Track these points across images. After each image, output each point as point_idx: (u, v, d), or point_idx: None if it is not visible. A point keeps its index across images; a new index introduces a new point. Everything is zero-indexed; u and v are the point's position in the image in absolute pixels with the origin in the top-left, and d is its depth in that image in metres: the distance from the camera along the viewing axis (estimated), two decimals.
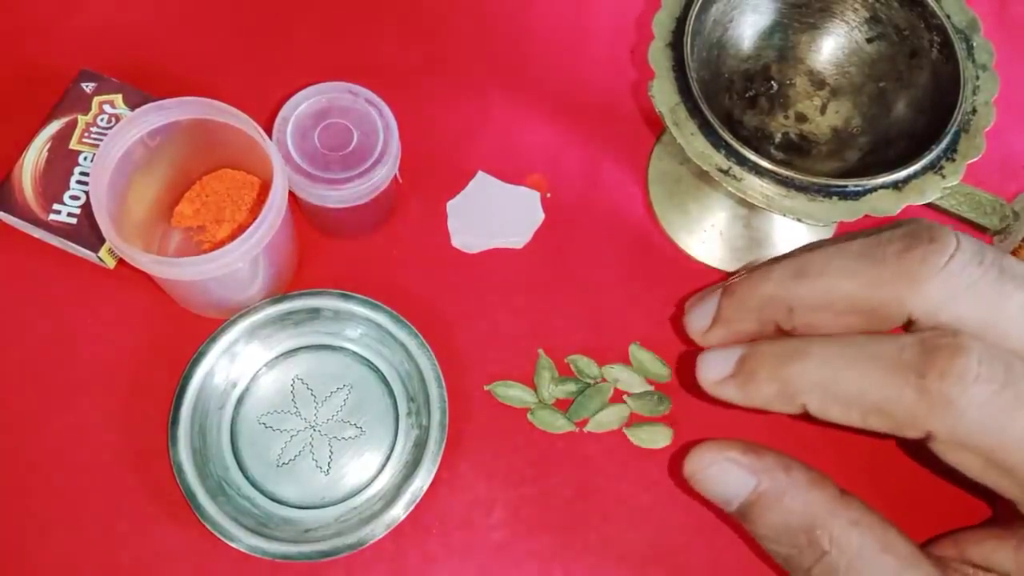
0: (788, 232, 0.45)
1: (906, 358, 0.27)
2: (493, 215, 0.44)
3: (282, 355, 0.41)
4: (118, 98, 0.42)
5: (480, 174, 0.45)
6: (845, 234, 0.32)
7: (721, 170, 0.35)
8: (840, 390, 0.28)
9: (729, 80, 0.40)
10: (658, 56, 0.36)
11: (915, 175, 0.35)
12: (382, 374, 0.41)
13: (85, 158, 0.40)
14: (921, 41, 0.38)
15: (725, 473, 0.31)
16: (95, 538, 0.38)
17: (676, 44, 0.36)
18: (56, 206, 0.40)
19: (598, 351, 0.42)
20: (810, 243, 0.32)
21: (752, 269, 0.33)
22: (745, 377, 0.31)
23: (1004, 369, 0.26)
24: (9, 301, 0.42)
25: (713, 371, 0.32)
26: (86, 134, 0.41)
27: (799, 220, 0.35)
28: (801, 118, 0.41)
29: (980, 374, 0.26)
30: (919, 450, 0.28)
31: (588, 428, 0.41)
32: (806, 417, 0.30)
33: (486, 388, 0.41)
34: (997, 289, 0.27)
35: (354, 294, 0.40)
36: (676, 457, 0.41)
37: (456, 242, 0.44)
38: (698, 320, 0.34)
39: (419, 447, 0.39)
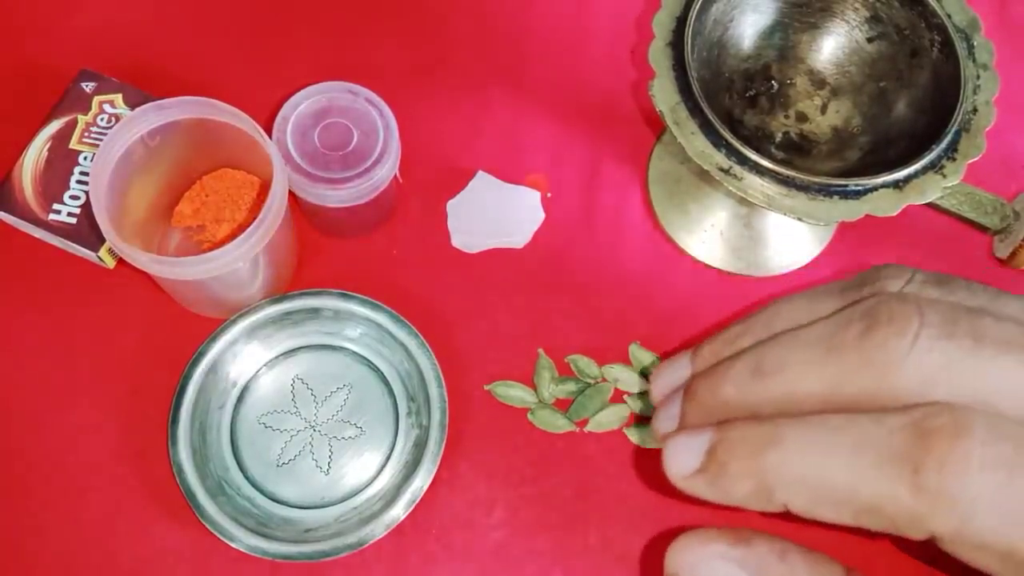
0: (788, 231, 0.45)
1: (897, 445, 0.23)
2: (493, 215, 0.44)
3: (282, 355, 0.41)
4: (118, 98, 0.42)
5: (480, 174, 0.45)
6: (808, 293, 0.28)
7: (722, 169, 0.35)
8: (824, 487, 0.24)
9: (729, 79, 0.40)
10: (658, 56, 0.36)
11: (916, 175, 0.35)
12: (382, 374, 0.41)
13: (85, 158, 0.40)
14: (922, 40, 0.37)
15: (714, 572, 0.26)
16: (95, 538, 0.38)
17: (676, 44, 0.36)
18: (56, 206, 0.40)
19: (598, 351, 0.42)
20: (770, 308, 0.29)
21: (710, 360, 0.29)
22: (716, 471, 0.26)
23: (1013, 448, 0.22)
24: (9, 301, 0.42)
25: (680, 464, 0.27)
26: (86, 134, 0.41)
27: (800, 219, 0.35)
28: (802, 117, 0.41)
29: (985, 459, 0.22)
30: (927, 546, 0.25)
31: (588, 428, 0.41)
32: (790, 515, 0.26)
33: (486, 388, 0.41)
34: (974, 361, 0.24)
35: (354, 294, 0.40)
36: None
37: (456, 242, 0.44)
38: (664, 424, 0.30)
39: (419, 447, 0.39)
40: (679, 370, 0.30)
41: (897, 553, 0.34)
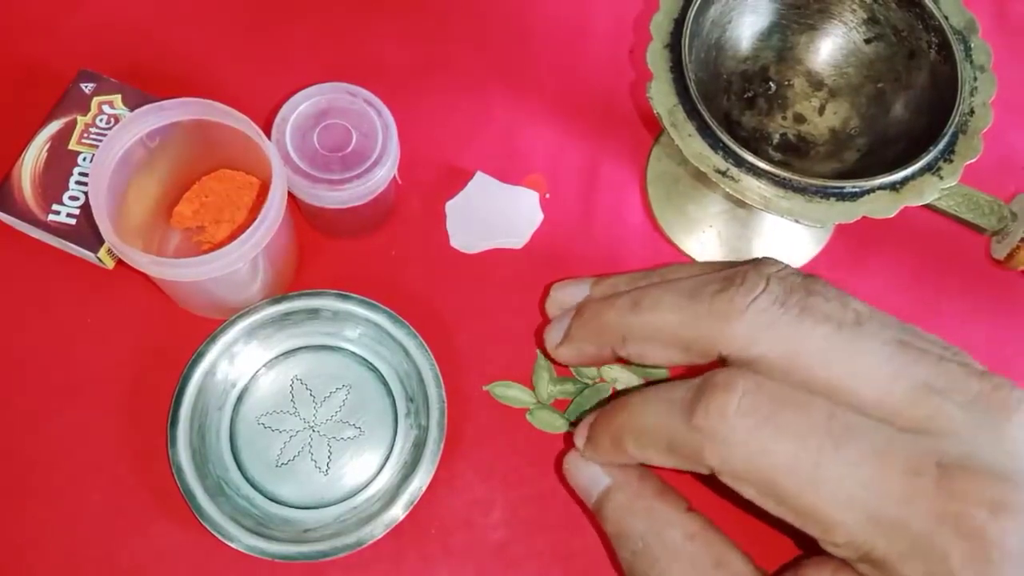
0: (786, 233, 0.45)
1: (686, 398, 0.29)
2: (493, 215, 0.44)
3: (281, 355, 0.41)
4: (117, 98, 0.42)
5: (480, 174, 0.45)
6: (703, 263, 0.35)
7: (719, 171, 0.35)
8: (644, 433, 0.31)
9: (727, 81, 0.40)
10: (656, 57, 0.36)
11: (913, 176, 0.35)
12: (381, 374, 0.41)
13: (84, 158, 0.40)
14: (919, 42, 0.38)
15: (587, 468, 0.34)
16: (95, 538, 0.38)
17: (674, 45, 0.36)
18: (55, 206, 0.40)
19: None
20: (672, 265, 0.35)
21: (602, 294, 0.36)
22: (592, 437, 0.34)
23: (769, 402, 0.28)
24: (9, 301, 0.42)
25: (578, 439, 0.35)
26: (85, 134, 0.41)
27: (797, 221, 0.35)
28: (799, 119, 0.41)
29: (742, 407, 0.28)
30: (732, 492, 0.30)
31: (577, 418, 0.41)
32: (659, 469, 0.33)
33: (485, 388, 0.42)
34: (798, 326, 0.29)
35: (353, 294, 0.40)
36: None
37: (456, 242, 0.44)
38: (554, 335, 0.37)
39: (418, 447, 0.39)
40: (579, 291, 0.37)
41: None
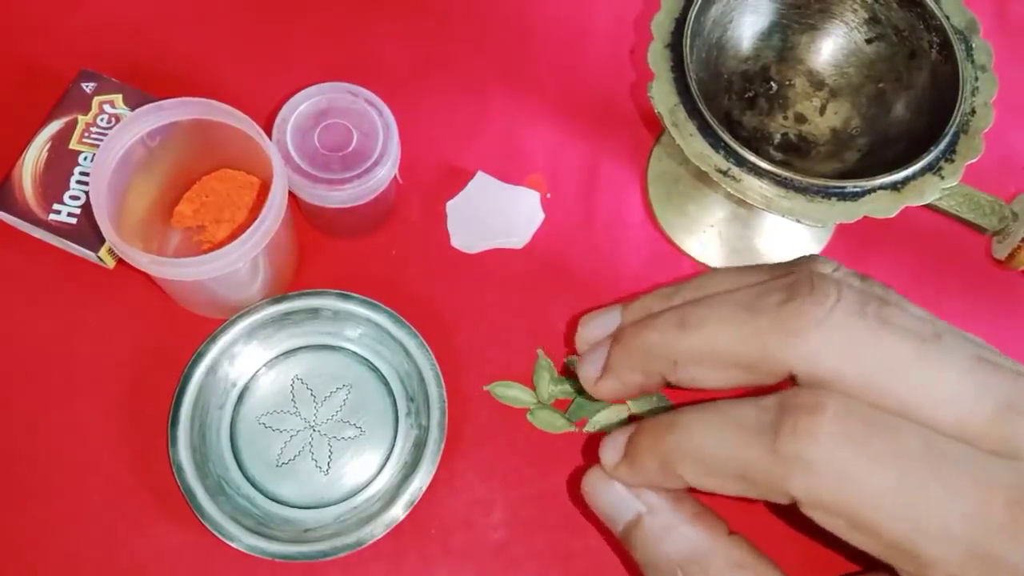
0: (786, 233, 0.45)
1: (764, 420, 0.26)
2: (493, 215, 0.44)
3: (282, 355, 0.41)
4: (118, 98, 0.42)
5: (480, 174, 0.45)
6: (741, 267, 0.31)
7: (720, 171, 0.35)
8: (707, 458, 0.27)
9: (728, 81, 0.40)
10: (657, 57, 0.36)
11: (914, 176, 0.35)
12: (381, 374, 0.41)
13: (85, 158, 0.40)
14: (920, 42, 0.38)
15: (614, 494, 0.31)
16: (95, 538, 0.38)
17: (675, 45, 0.36)
18: (56, 206, 0.40)
19: None
20: (704, 275, 0.32)
21: (643, 311, 0.32)
22: (631, 457, 0.30)
23: (863, 427, 0.25)
24: (9, 301, 0.42)
25: (609, 456, 0.31)
26: (86, 134, 0.41)
27: (798, 221, 0.35)
28: (800, 119, 0.41)
29: (835, 432, 0.25)
30: (794, 514, 0.27)
31: (587, 428, 0.41)
32: (697, 491, 0.29)
33: (485, 388, 0.42)
34: (878, 341, 0.26)
35: (353, 294, 0.40)
36: None
37: (456, 242, 0.44)
38: (590, 369, 0.33)
39: (418, 447, 0.39)
40: (609, 320, 0.33)
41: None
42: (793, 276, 0.28)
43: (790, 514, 0.28)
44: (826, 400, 0.25)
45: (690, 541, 0.29)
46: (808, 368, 0.26)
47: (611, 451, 0.31)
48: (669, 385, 0.31)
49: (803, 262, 0.29)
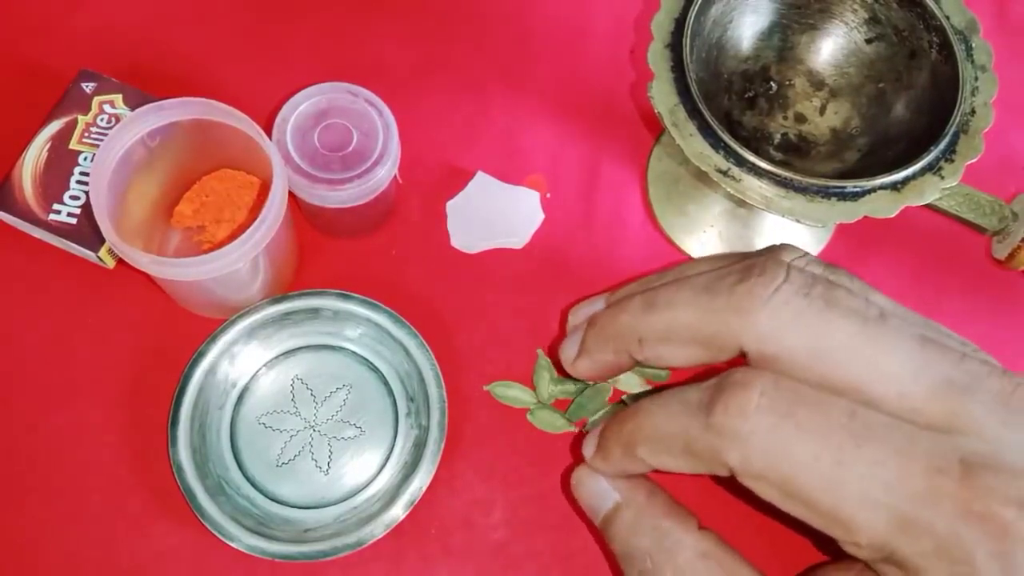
0: (786, 233, 0.45)
1: (703, 399, 0.28)
2: (493, 215, 0.44)
3: (282, 355, 0.41)
4: (118, 98, 0.42)
5: (480, 174, 0.45)
6: (719, 254, 0.33)
7: (720, 171, 0.35)
8: (658, 437, 0.30)
9: (728, 81, 0.40)
10: (657, 57, 0.36)
11: (914, 176, 0.35)
12: (382, 374, 0.41)
13: (85, 158, 0.40)
14: (920, 42, 0.38)
15: (595, 484, 0.33)
16: (95, 538, 0.38)
17: (675, 45, 0.36)
18: (56, 206, 0.40)
19: None
20: (686, 263, 0.34)
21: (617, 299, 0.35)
22: (602, 446, 0.33)
23: (789, 400, 0.27)
24: (9, 301, 0.42)
25: (588, 449, 0.33)
26: (86, 134, 0.41)
27: (798, 221, 0.35)
28: (800, 119, 0.41)
29: (761, 405, 0.27)
30: (751, 493, 0.29)
31: (588, 428, 0.41)
32: (662, 475, 0.31)
33: (485, 388, 0.42)
34: (822, 320, 0.28)
35: (353, 294, 0.40)
36: None
37: (456, 242, 0.44)
38: (569, 350, 0.36)
39: (418, 447, 0.39)
40: (595, 307, 0.36)
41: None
42: (751, 260, 0.30)
43: (740, 492, 0.29)
44: (755, 377, 0.28)
45: (661, 532, 0.31)
46: (756, 345, 0.28)
47: (588, 445, 0.33)
48: (638, 364, 0.33)
49: (768, 249, 0.31)
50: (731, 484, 0.29)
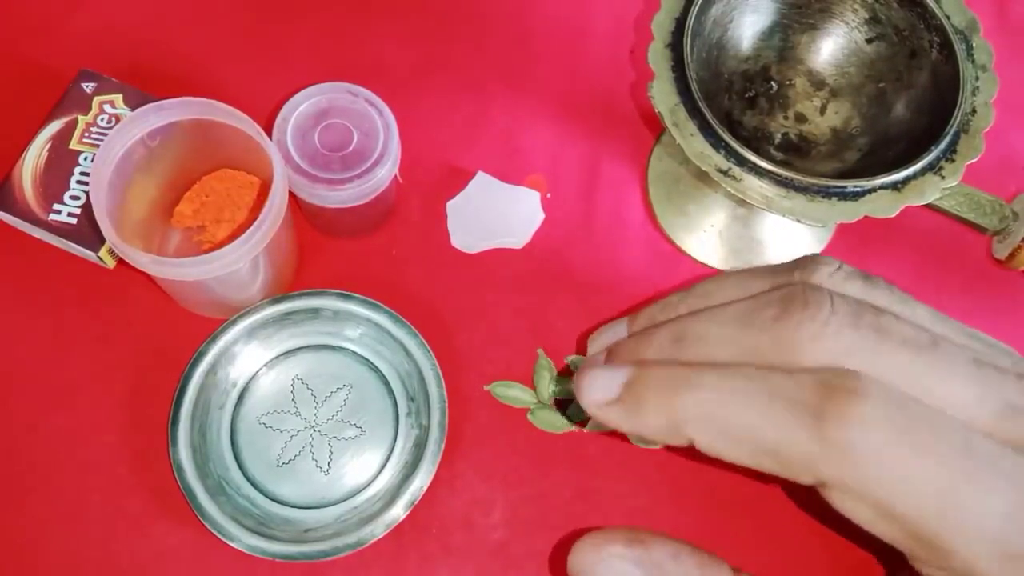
0: (787, 232, 0.45)
1: (804, 398, 0.25)
2: (493, 215, 0.44)
3: (282, 355, 0.41)
4: (118, 98, 0.42)
5: (480, 174, 0.45)
6: (746, 271, 0.30)
7: (720, 171, 0.35)
8: (731, 427, 0.26)
9: (728, 80, 0.40)
10: (658, 57, 0.36)
11: (914, 176, 0.35)
12: (382, 374, 0.41)
13: (85, 158, 0.40)
14: (921, 42, 0.38)
15: (611, 571, 0.28)
16: (95, 538, 0.38)
17: (676, 45, 0.36)
18: (56, 206, 0.40)
19: None
20: (710, 282, 0.30)
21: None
22: (632, 404, 0.28)
23: (904, 415, 0.25)
24: (9, 301, 0.42)
25: (597, 392, 0.29)
26: (86, 134, 0.41)
27: (798, 221, 0.35)
28: (800, 118, 0.41)
29: (879, 419, 0.25)
30: (808, 496, 0.27)
31: (588, 428, 0.41)
32: (692, 451, 0.28)
33: (486, 388, 0.41)
34: (875, 354, 0.26)
35: (354, 294, 0.40)
36: (675, 458, 0.41)
37: (456, 242, 0.44)
38: (592, 388, 0.30)
39: (419, 447, 0.39)
40: (616, 332, 0.32)
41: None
42: (786, 288, 0.28)
43: (798, 493, 0.27)
44: (869, 384, 0.25)
45: None
46: None
47: (604, 385, 0.28)
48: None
49: (804, 263, 0.29)
50: (786, 485, 0.28)
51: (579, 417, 0.41)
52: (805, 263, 0.29)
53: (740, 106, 0.40)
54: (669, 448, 0.29)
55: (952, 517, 0.24)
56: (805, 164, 0.39)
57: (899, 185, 0.35)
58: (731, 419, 0.26)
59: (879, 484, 0.25)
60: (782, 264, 0.30)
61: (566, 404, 0.41)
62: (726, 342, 0.28)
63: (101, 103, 0.41)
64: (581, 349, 0.42)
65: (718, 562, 0.28)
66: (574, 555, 0.29)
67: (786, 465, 0.26)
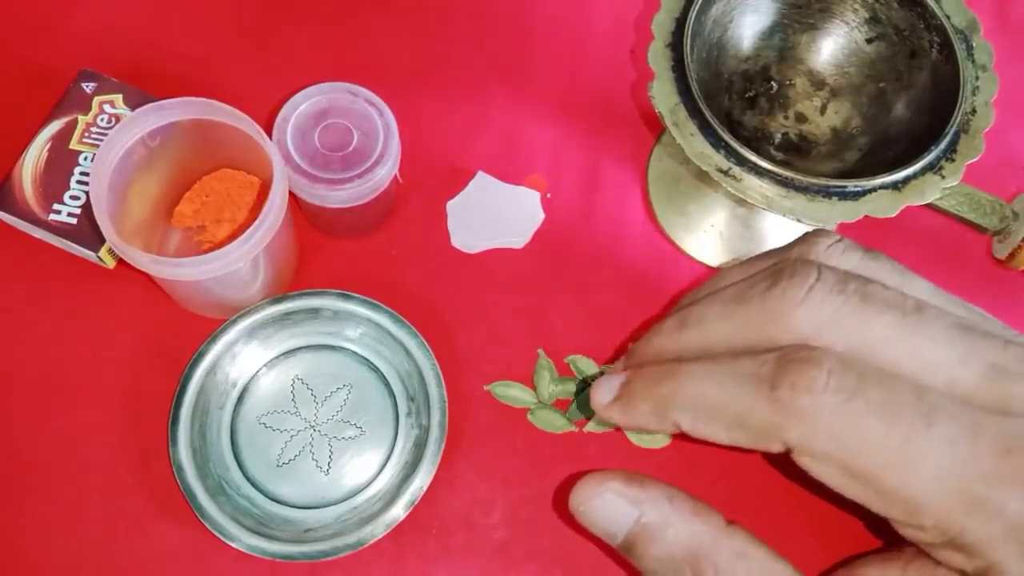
0: (787, 232, 0.45)
1: (763, 372, 0.27)
2: (493, 215, 0.44)
3: (282, 355, 0.41)
4: (118, 98, 0.42)
5: (480, 174, 0.45)
6: (750, 258, 0.32)
7: (721, 171, 0.35)
8: (705, 406, 0.29)
9: (729, 80, 0.40)
10: (658, 57, 0.36)
11: (915, 176, 0.35)
12: (382, 374, 0.41)
13: (85, 158, 0.40)
14: (921, 42, 0.38)
15: (608, 505, 0.31)
16: (95, 538, 0.38)
17: (676, 45, 0.36)
18: (56, 206, 0.40)
19: (598, 351, 0.42)
20: (719, 274, 0.33)
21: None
22: (626, 399, 0.31)
23: (856, 378, 0.26)
24: (9, 301, 0.42)
25: (603, 395, 0.32)
26: (86, 134, 0.41)
27: (799, 220, 0.35)
28: (801, 118, 0.41)
29: (830, 384, 0.26)
30: (801, 472, 0.28)
31: (588, 428, 0.41)
32: (683, 436, 0.30)
33: (486, 388, 0.41)
34: (860, 315, 0.27)
35: (354, 294, 0.40)
36: (675, 458, 0.41)
37: (456, 242, 0.44)
38: (602, 393, 0.33)
39: (419, 447, 0.39)
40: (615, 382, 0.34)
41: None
42: (781, 262, 0.30)
43: (785, 466, 0.28)
44: (822, 355, 0.27)
45: (693, 536, 0.30)
46: (799, 343, 0.28)
47: (607, 389, 0.32)
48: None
49: (804, 239, 0.31)
50: (772, 458, 0.29)
51: (579, 417, 0.41)
52: (805, 239, 0.31)
53: (740, 106, 0.40)
54: (676, 437, 0.30)
55: (911, 470, 0.26)
56: (805, 164, 0.39)
57: (899, 185, 0.35)
58: (706, 400, 0.29)
59: (838, 444, 0.26)
60: (781, 247, 0.32)
61: (567, 404, 0.41)
62: (722, 319, 0.30)
63: (101, 103, 0.41)
64: (581, 349, 0.42)
65: (711, 509, 0.31)
66: (576, 489, 0.31)
67: (755, 435, 0.28)
